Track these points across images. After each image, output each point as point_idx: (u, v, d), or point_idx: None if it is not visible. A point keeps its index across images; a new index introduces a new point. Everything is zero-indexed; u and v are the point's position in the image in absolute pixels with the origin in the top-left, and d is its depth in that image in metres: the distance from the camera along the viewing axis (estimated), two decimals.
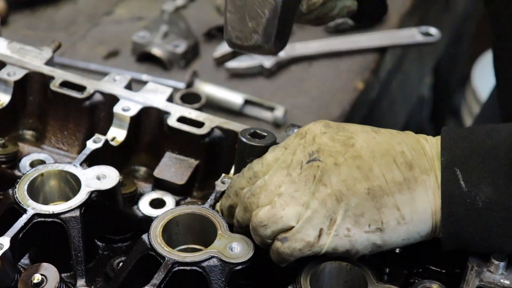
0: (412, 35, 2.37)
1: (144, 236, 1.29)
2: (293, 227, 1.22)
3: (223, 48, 2.20)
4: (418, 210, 1.23)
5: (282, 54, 2.22)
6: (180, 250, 1.30)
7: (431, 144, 1.27)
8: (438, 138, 1.28)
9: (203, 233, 1.34)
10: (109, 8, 2.41)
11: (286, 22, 1.35)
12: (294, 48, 2.26)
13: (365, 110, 2.27)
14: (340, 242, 1.21)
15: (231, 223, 1.33)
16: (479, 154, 1.22)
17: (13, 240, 1.25)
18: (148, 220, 1.40)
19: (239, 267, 1.27)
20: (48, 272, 1.27)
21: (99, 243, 1.44)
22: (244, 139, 1.33)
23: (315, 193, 1.20)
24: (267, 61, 2.20)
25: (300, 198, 1.21)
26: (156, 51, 2.18)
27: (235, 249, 1.28)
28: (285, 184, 1.22)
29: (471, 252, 1.27)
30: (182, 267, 1.26)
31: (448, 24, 2.90)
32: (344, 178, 1.21)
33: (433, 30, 2.38)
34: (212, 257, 1.26)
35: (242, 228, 1.30)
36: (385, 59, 2.34)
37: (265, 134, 1.35)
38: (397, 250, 1.36)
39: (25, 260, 1.38)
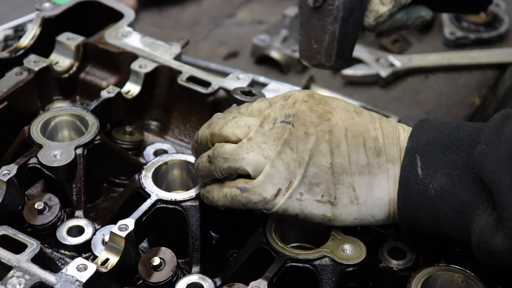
0: None
1: (260, 230, 1.33)
2: (248, 173, 1.26)
3: None
4: (375, 194, 1.27)
5: (399, 65, 2.22)
6: (292, 247, 1.32)
7: (407, 136, 1.29)
8: None
9: (315, 232, 1.36)
10: (231, 11, 2.48)
11: (346, 43, 1.50)
12: (411, 59, 2.25)
13: None
14: (291, 204, 1.27)
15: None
16: (441, 145, 1.25)
17: (137, 222, 1.32)
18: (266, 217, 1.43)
19: (351, 268, 1.29)
20: (166, 256, 1.33)
21: (213, 234, 1.49)
22: (234, 94, 1.49)
23: (281, 153, 1.26)
24: (384, 71, 2.20)
25: (265, 151, 1.26)
26: (275, 55, 2.22)
27: (347, 250, 1.30)
28: (256, 131, 1.28)
29: (425, 238, 1.29)
30: (294, 263, 1.29)
31: None
32: (310, 148, 1.26)
33: None
34: (324, 256, 1.28)
35: (196, 143, 1.36)
36: (504, 76, 2.29)
37: (257, 94, 1.50)
38: None
39: (144, 244, 1.44)
